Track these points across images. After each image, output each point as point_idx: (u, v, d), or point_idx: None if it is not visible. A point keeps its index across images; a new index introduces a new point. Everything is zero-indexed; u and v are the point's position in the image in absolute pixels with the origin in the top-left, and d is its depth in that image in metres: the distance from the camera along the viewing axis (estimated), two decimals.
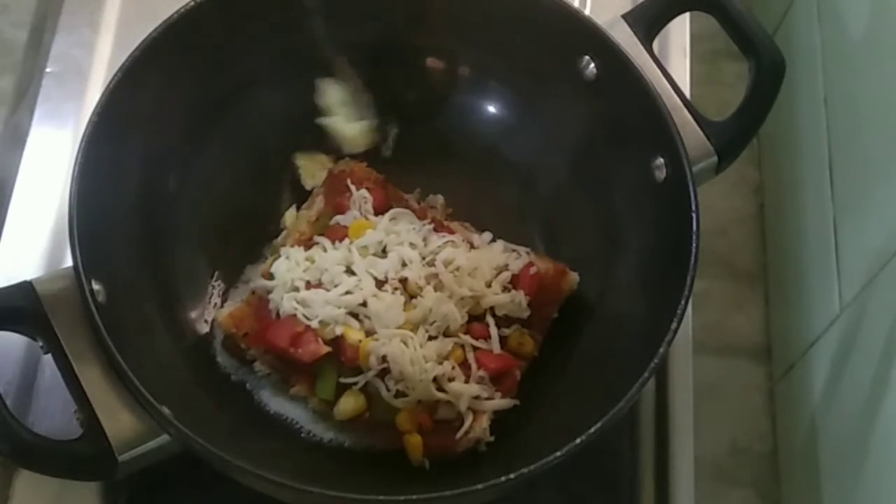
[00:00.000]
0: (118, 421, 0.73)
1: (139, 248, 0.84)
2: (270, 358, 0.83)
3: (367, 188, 0.89)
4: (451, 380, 0.81)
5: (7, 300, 0.76)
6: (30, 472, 0.74)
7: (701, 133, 0.87)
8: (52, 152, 1.00)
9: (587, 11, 1.06)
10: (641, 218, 0.87)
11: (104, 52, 1.06)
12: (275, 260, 0.85)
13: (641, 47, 0.89)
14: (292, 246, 0.86)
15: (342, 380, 0.81)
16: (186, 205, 0.89)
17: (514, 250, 0.88)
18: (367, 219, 0.87)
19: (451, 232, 0.88)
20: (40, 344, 0.76)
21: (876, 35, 1.00)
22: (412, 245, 0.86)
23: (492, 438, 0.82)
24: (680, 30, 1.08)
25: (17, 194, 0.98)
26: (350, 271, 0.84)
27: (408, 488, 0.72)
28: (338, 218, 0.88)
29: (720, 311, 1.18)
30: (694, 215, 0.80)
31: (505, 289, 0.85)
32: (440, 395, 0.81)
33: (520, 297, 0.85)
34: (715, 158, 0.87)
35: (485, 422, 0.82)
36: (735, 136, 0.88)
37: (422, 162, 0.96)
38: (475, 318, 0.84)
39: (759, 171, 1.27)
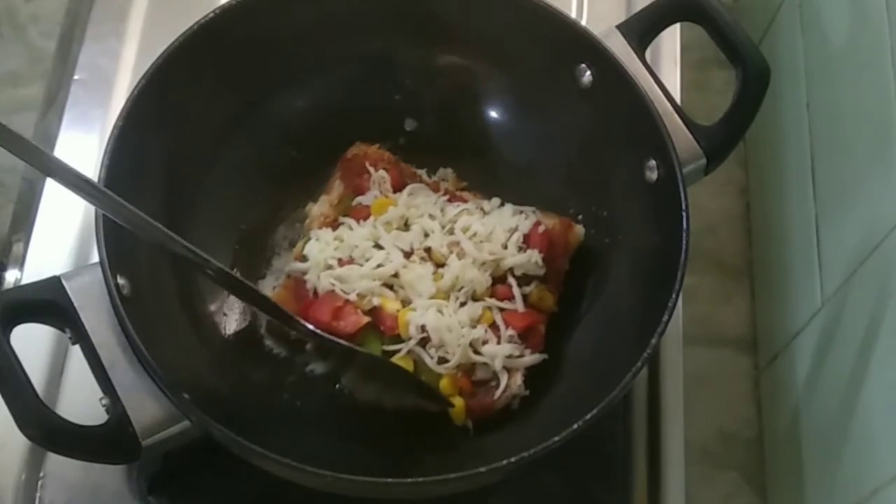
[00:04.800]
0: (142, 407, 0.73)
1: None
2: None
3: (384, 168, 0.89)
4: (484, 342, 0.82)
5: (37, 294, 0.76)
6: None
7: (691, 137, 0.87)
8: (80, 155, 1.00)
9: (583, 22, 1.06)
10: (635, 217, 0.87)
11: (129, 61, 1.06)
12: (305, 243, 0.86)
13: (635, 56, 0.89)
14: (319, 228, 0.87)
15: (385, 347, 0.82)
16: (206, 205, 0.89)
17: (521, 211, 0.88)
18: (387, 196, 0.88)
19: (465, 201, 0.90)
20: (69, 335, 0.76)
21: (856, 45, 1.00)
22: (431, 216, 0.87)
23: (527, 392, 0.83)
24: (671, 39, 1.08)
25: (47, 195, 0.98)
26: (378, 246, 0.85)
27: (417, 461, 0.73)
28: (359, 199, 0.89)
29: (708, 304, 1.18)
30: (684, 214, 0.80)
31: (520, 249, 0.86)
32: (478, 357, 0.82)
33: (535, 255, 0.85)
34: (704, 161, 0.87)
35: (519, 378, 0.83)
36: (723, 139, 0.87)
37: (425, 165, 0.95)
38: (496, 281, 0.85)
39: (746, 173, 1.27)
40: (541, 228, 0.86)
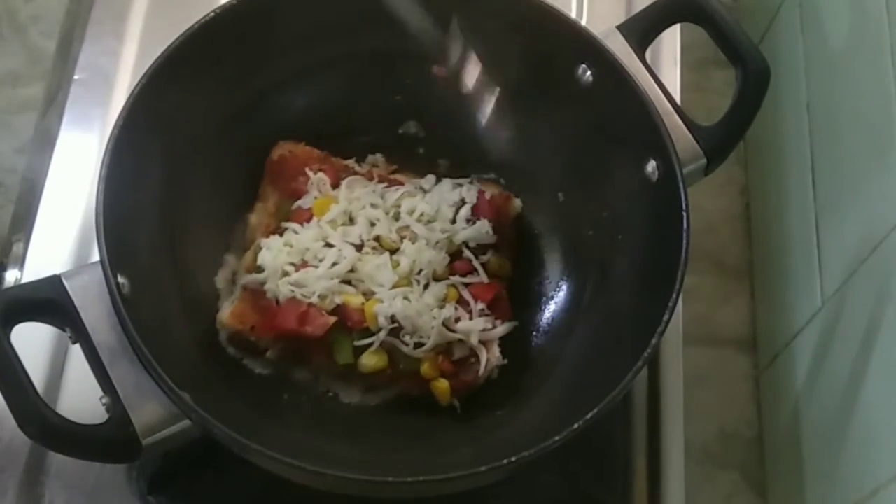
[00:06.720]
0: (142, 407, 0.73)
1: (161, 245, 0.84)
2: (282, 343, 0.84)
3: (322, 169, 0.89)
4: (457, 320, 0.83)
5: (38, 293, 0.76)
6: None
7: (691, 137, 0.87)
8: (80, 155, 1.00)
9: (584, 22, 1.06)
10: (635, 217, 0.87)
11: (129, 61, 1.06)
12: (255, 254, 0.86)
13: (635, 56, 0.89)
14: (265, 237, 0.86)
15: (357, 343, 0.82)
16: (206, 205, 0.89)
17: (460, 185, 0.89)
18: (326, 195, 0.88)
19: (401, 183, 0.90)
20: (69, 334, 0.76)
21: (855, 45, 1.00)
22: (374, 205, 0.87)
23: (505, 361, 0.84)
24: (671, 40, 1.08)
25: (47, 194, 0.98)
26: (328, 244, 0.85)
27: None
28: (299, 203, 0.88)
29: (709, 304, 1.18)
30: (685, 214, 0.80)
31: (469, 221, 0.87)
32: (453, 335, 0.82)
33: (485, 225, 0.86)
34: (704, 161, 0.87)
35: (496, 350, 0.84)
36: (723, 139, 0.87)
37: (423, 165, 0.95)
38: (452, 257, 0.86)
39: (746, 173, 1.27)
40: (487, 195, 0.88)
